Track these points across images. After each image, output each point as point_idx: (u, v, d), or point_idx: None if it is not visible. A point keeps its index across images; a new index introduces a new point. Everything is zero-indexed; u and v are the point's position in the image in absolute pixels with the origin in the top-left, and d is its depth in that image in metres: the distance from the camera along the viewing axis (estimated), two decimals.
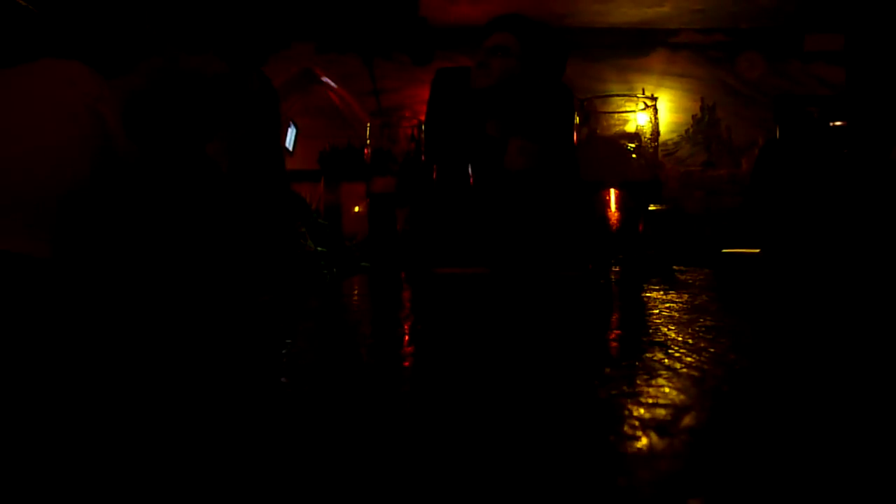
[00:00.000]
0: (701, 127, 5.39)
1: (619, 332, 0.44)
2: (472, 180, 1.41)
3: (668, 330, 0.40)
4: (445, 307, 0.65)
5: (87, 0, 0.96)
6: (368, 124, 1.16)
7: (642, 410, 0.23)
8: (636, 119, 0.91)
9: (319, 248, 1.49)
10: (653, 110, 0.90)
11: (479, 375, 0.30)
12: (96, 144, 0.88)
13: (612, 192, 0.85)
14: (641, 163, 0.88)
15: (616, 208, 0.85)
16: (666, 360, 0.31)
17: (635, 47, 5.37)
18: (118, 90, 0.91)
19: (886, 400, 0.25)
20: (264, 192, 1.14)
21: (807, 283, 0.89)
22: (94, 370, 0.33)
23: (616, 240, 0.85)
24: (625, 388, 0.26)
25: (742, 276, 1.06)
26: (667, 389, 0.26)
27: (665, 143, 5.25)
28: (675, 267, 1.17)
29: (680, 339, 0.37)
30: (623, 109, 0.90)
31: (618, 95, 0.90)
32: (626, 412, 0.23)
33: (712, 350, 0.34)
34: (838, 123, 4.72)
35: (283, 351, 0.38)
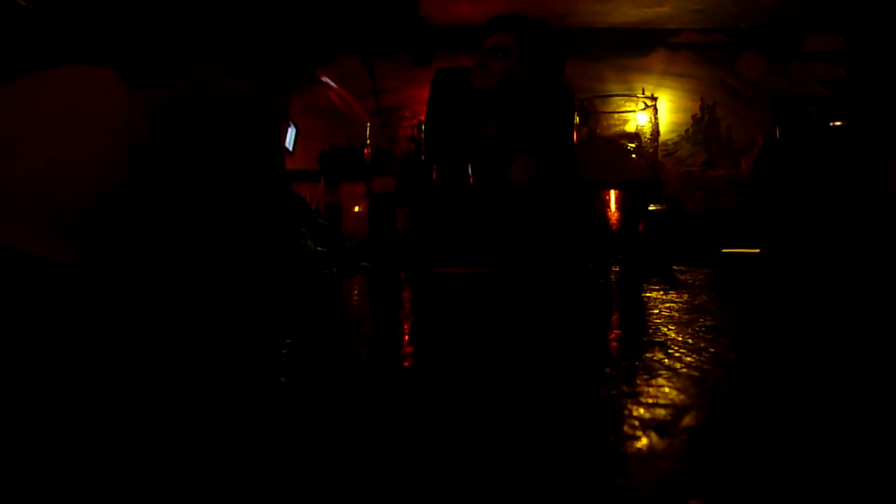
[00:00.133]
0: (701, 127, 5.39)
1: (619, 332, 0.44)
2: (471, 180, 1.41)
3: (668, 330, 0.40)
4: (445, 307, 0.65)
5: (127, 8, 0.96)
6: (368, 124, 1.16)
7: (642, 410, 0.23)
8: (636, 119, 0.91)
9: (319, 248, 1.49)
10: (653, 110, 0.90)
11: (479, 375, 0.30)
12: (129, 155, 0.88)
13: (612, 191, 0.85)
14: (641, 162, 0.88)
15: (616, 208, 0.85)
16: (666, 360, 0.31)
17: (635, 47, 5.37)
18: (147, 101, 0.92)
19: (885, 399, 0.25)
20: (264, 192, 1.14)
21: (806, 282, 0.89)
22: (96, 370, 0.33)
23: (616, 240, 0.85)
24: (625, 388, 0.26)
25: (742, 276, 1.06)
26: (667, 389, 0.26)
27: (665, 143, 5.25)
28: (674, 267, 1.17)
29: (680, 338, 0.37)
30: (623, 109, 0.90)
31: (618, 95, 0.90)
32: (626, 412, 0.23)
33: (712, 350, 0.34)
34: (838, 123, 4.72)
35: (284, 351, 0.38)
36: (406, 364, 0.34)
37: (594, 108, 0.89)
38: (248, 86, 0.99)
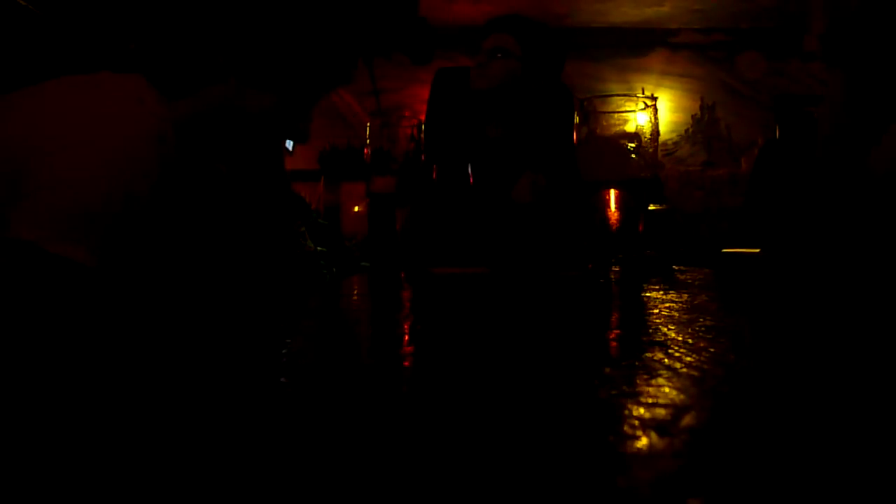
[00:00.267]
0: (700, 127, 5.39)
1: (618, 331, 0.44)
2: (471, 180, 1.41)
3: (668, 330, 0.40)
4: (445, 307, 0.65)
5: (159, 18, 0.97)
6: (368, 124, 1.16)
7: (642, 410, 0.23)
8: (636, 119, 0.91)
9: (319, 248, 1.49)
10: (653, 110, 0.90)
11: (478, 375, 0.30)
12: (159, 164, 0.89)
13: (612, 191, 0.85)
14: (641, 162, 0.88)
15: (616, 208, 0.85)
16: (666, 360, 0.31)
17: (635, 47, 5.37)
18: (175, 112, 0.93)
19: (887, 400, 0.25)
20: (265, 192, 1.15)
21: (807, 282, 0.89)
22: (99, 368, 0.33)
23: (616, 239, 0.85)
24: (625, 387, 0.26)
25: (742, 275, 1.06)
26: (667, 389, 0.26)
27: (664, 143, 5.25)
28: (674, 267, 1.17)
29: (680, 338, 0.37)
30: (623, 109, 0.90)
31: (618, 95, 0.90)
32: (626, 412, 0.23)
33: (712, 350, 0.34)
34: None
35: (284, 350, 0.38)
36: (406, 364, 0.34)
37: (594, 108, 0.89)
38: (273, 101, 1.00)
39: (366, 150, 1.13)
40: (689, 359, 0.31)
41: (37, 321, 0.52)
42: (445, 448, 0.20)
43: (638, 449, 0.19)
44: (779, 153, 2.77)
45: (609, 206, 0.85)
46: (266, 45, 0.99)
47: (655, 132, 0.90)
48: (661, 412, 0.22)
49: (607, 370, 0.30)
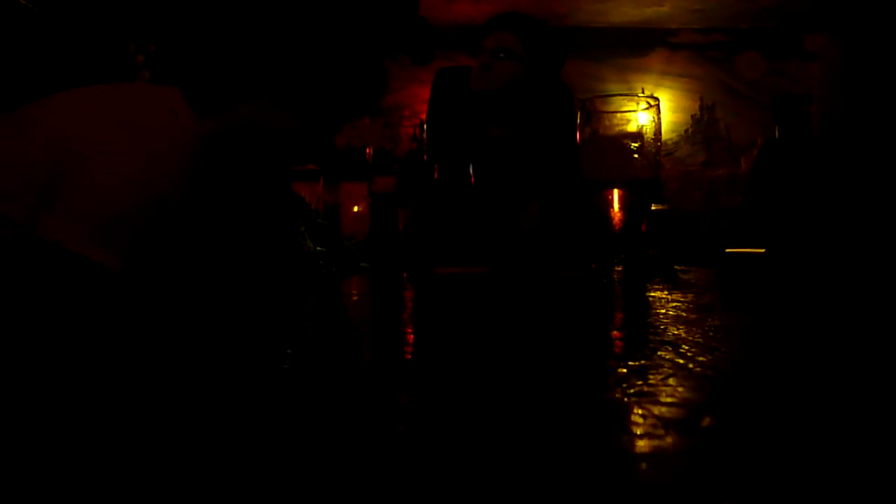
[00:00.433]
0: (700, 127, 5.39)
1: (625, 331, 0.44)
2: (473, 180, 1.41)
3: (677, 329, 0.40)
4: (450, 307, 0.65)
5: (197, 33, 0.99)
6: (369, 124, 1.16)
7: (659, 409, 0.23)
8: (638, 119, 0.90)
9: (319, 248, 1.48)
10: (655, 110, 0.90)
11: (488, 376, 0.30)
12: (191, 175, 0.91)
13: (615, 191, 0.85)
14: (644, 162, 0.87)
15: (619, 207, 0.84)
16: (678, 360, 0.31)
17: (635, 47, 5.36)
18: (205, 125, 0.94)
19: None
20: (265, 192, 1.15)
21: (815, 281, 0.89)
22: (105, 367, 0.32)
23: (619, 239, 0.85)
24: (642, 386, 0.26)
25: (747, 275, 1.06)
26: (681, 389, 0.25)
27: (664, 143, 5.25)
28: (676, 267, 1.17)
29: (689, 338, 0.37)
30: (625, 109, 0.90)
31: (620, 95, 0.90)
32: (641, 411, 0.23)
33: (723, 350, 0.34)
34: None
35: (288, 351, 0.38)
36: (408, 359, 0.34)
37: (596, 108, 0.89)
38: (299, 124, 1.02)
39: (367, 150, 1.13)
40: (700, 358, 0.31)
41: (54, 320, 0.53)
42: (463, 448, 0.20)
43: (654, 448, 0.19)
44: (778, 153, 2.77)
45: (612, 206, 0.85)
46: (298, 68, 1.00)
47: (658, 132, 0.90)
48: (676, 411, 0.22)
49: (621, 370, 0.30)
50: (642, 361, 0.31)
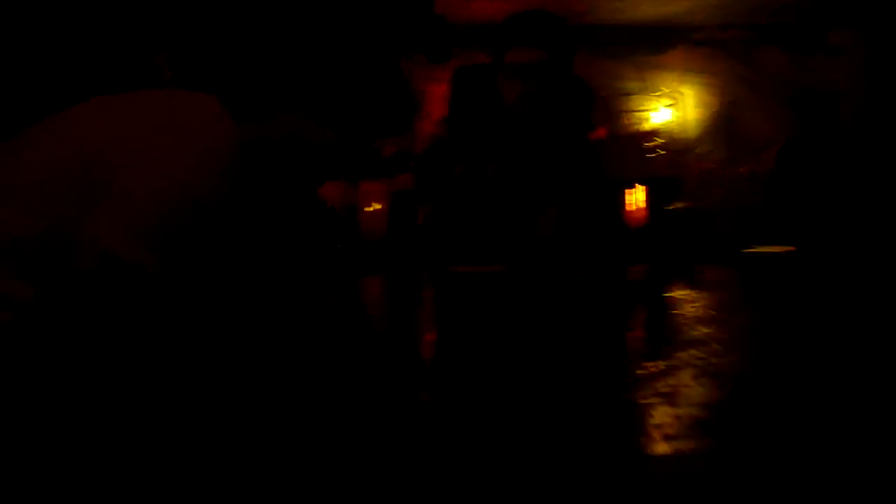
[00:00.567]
0: (720, 123, 5.33)
1: (648, 331, 0.44)
2: (492, 177, 1.41)
3: (700, 329, 0.40)
4: (469, 306, 0.65)
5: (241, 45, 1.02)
6: None
7: (682, 410, 0.23)
8: (657, 116, 0.90)
9: (338, 246, 1.49)
10: (675, 108, 0.89)
11: (514, 374, 0.30)
12: (230, 182, 0.94)
13: (636, 188, 0.85)
14: (663, 161, 0.87)
15: (640, 205, 0.84)
16: (701, 358, 0.30)
17: (654, 44, 5.31)
18: (243, 133, 0.97)
19: None
20: (296, 199, 1.17)
21: (846, 280, 0.88)
22: (129, 364, 0.33)
23: (638, 237, 0.85)
24: (667, 385, 0.26)
25: (770, 275, 1.05)
26: (703, 389, 0.25)
27: (684, 140, 5.19)
28: (696, 266, 1.16)
29: (715, 336, 0.37)
30: (645, 108, 0.89)
31: (640, 94, 0.90)
32: (669, 409, 0.23)
33: (747, 349, 0.34)
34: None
35: (307, 345, 0.38)
36: (430, 361, 0.34)
37: (616, 106, 0.88)
38: (334, 137, 1.04)
39: (386, 148, 1.13)
40: (724, 358, 0.31)
41: (93, 317, 0.54)
42: (484, 446, 0.20)
43: (682, 447, 0.19)
44: (801, 150, 2.73)
45: (632, 204, 0.85)
46: (334, 81, 1.02)
47: (678, 130, 0.90)
48: (699, 412, 0.22)
49: (649, 367, 0.30)
50: (659, 362, 0.31)
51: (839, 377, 0.29)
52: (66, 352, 0.35)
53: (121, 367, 0.34)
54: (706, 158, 5.26)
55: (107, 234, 0.81)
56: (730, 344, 0.35)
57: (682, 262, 1.10)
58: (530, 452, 0.20)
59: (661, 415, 0.22)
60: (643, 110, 0.78)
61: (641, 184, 0.82)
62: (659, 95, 0.84)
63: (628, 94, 0.80)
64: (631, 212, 0.84)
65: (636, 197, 0.83)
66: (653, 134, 0.77)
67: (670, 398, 0.24)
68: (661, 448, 0.19)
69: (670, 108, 0.83)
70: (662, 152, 0.78)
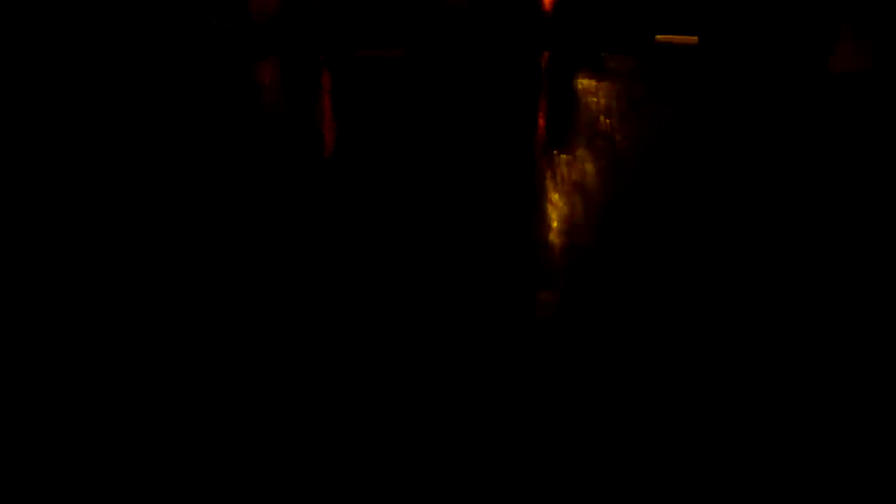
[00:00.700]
0: None
1: (553, 120, 0.43)
2: None
3: (604, 121, 0.39)
4: (372, 95, 0.61)
5: None
6: None
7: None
8: None
9: (225, 26, 1.34)
10: None
11: (416, 171, 0.28)
12: None
13: None
14: None
15: None
16: (602, 145, 0.29)
17: None
18: None
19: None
20: None
21: (746, 79, 0.88)
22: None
23: (547, 24, 0.80)
24: (566, 175, 0.25)
25: (673, 67, 1.04)
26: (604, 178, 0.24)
27: None
28: (603, 54, 1.14)
29: (617, 126, 0.36)
30: None
31: None
32: (567, 200, 0.22)
33: (641, 132, 0.33)
34: None
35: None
36: (329, 160, 0.31)
37: None
38: None
39: None
40: (625, 144, 0.30)
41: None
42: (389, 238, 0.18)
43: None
44: None
45: None
46: None
47: None
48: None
49: (560, 155, 0.29)
50: (563, 153, 0.30)
51: (736, 170, 0.29)
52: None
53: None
54: None
55: None
56: (634, 137, 0.34)
57: (589, 51, 1.07)
58: (435, 248, 0.19)
59: (563, 204, 0.21)
60: None
61: None
62: None
63: None
64: None
65: None
66: None
67: (576, 187, 0.23)
68: (559, 239, 0.18)
69: None
70: None
